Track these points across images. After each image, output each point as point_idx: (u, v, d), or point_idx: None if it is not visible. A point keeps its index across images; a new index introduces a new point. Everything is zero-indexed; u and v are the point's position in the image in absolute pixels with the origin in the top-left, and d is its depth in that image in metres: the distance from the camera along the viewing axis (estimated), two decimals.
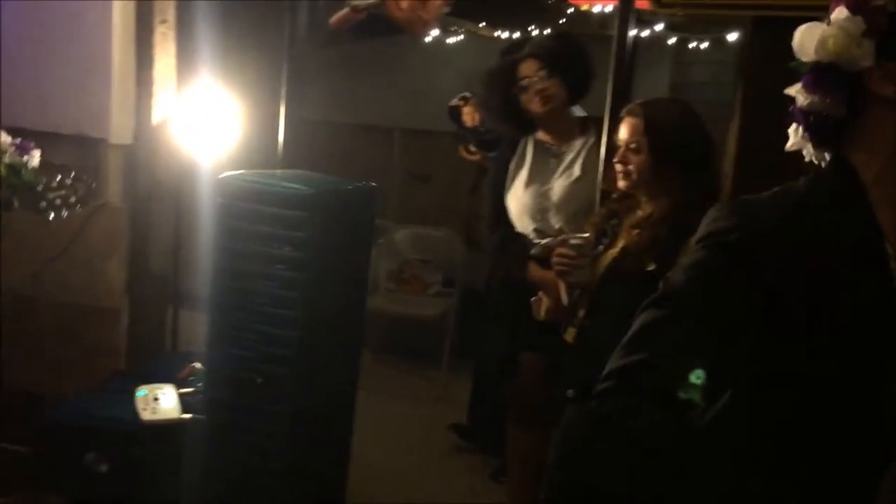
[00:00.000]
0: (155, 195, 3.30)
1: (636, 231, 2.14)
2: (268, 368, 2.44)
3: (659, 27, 5.26)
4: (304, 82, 3.56)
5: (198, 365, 2.81)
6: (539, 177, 2.85)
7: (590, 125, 2.87)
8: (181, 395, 2.69)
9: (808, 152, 1.19)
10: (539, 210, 2.82)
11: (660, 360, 1.11)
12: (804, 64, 1.14)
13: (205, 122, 3.04)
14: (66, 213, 2.40)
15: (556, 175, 2.83)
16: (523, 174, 2.87)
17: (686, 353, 1.11)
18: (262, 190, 2.44)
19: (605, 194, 2.51)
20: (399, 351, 4.90)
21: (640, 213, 2.18)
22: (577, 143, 2.85)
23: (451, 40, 6.16)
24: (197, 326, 2.94)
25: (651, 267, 2.05)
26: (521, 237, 2.86)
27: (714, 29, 5.36)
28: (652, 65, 5.84)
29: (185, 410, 2.63)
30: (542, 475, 1.22)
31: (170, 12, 3.25)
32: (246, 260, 2.45)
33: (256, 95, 3.20)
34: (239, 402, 2.47)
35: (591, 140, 2.83)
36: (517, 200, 2.86)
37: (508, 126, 2.92)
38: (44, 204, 2.37)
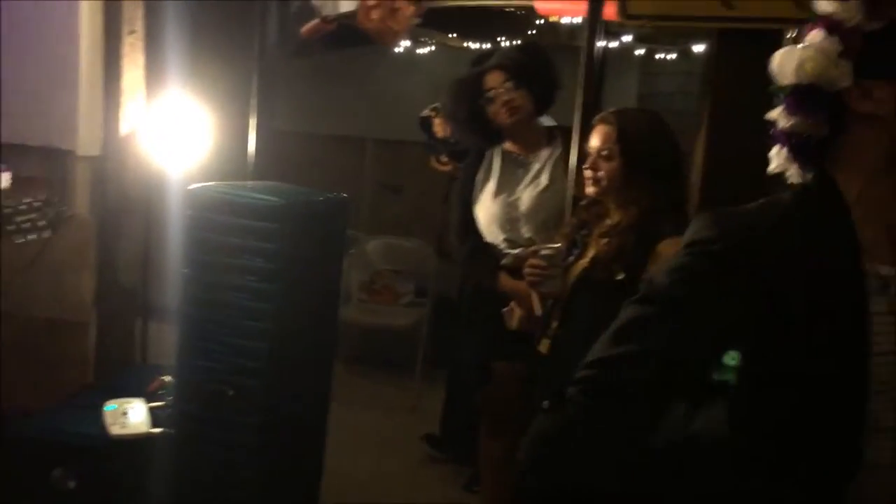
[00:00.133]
0: (124, 207, 3.27)
1: (605, 240, 2.16)
2: (238, 381, 2.42)
3: (627, 38, 5.33)
4: (274, 93, 3.55)
5: (167, 378, 2.78)
6: (507, 187, 2.86)
7: (556, 135, 2.90)
8: (151, 409, 2.66)
9: (792, 173, 1.21)
10: (508, 220, 2.83)
11: (641, 356, 1.13)
12: (784, 87, 1.16)
13: (174, 133, 3.01)
14: (34, 237, 2.37)
15: (524, 185, 2.84)
16: (491, 185, 2.88)
17: (668, 353, 1.13)
18: (232, 201, 2.43)
19: (576, 202, 2.53)
20: (372, 361, 4.88)
21: (608, 221, 2.20)
22: (544, 153, 2.87)
23: (421, 51, 6.18)
24: (166, 339, 2.91)
25: (620, 276, 2.07)
26: (490, 247, 2.87)
27: (681, 40, 5.44)
28: (620, 75, 5.91)
29: (154, 424, 2.60)
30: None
31: (138, 22, 3.23)
32: (216, 272, 2.43)
33: (226, 106, 3.18)
34: (209, 414, 2.45)
35: (558, 150, 2.85)
36: (486, 211, 2.87)
37: (475, 137, 2.93)
38: (12, 227, 2.34)
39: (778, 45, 1.20)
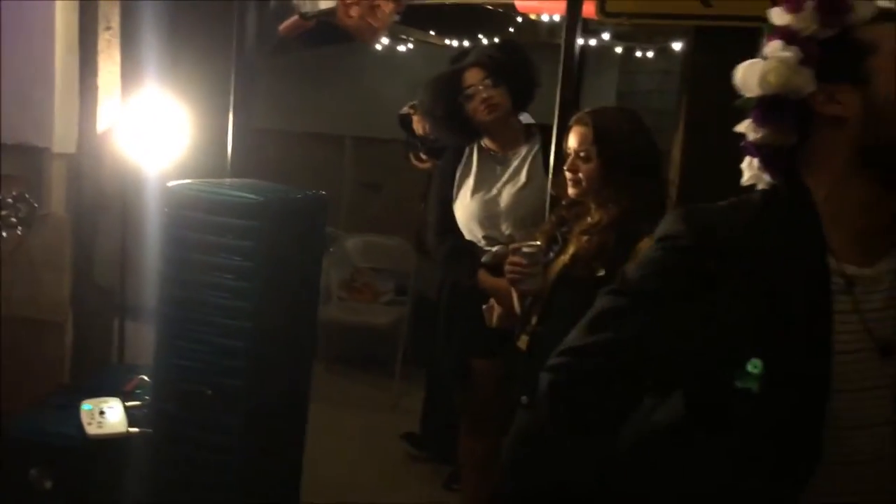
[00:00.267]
0: (100, 205, 3.24)
1: (585, 238, 2.16)
2: (217, 380, 2.40)
3: (606, 36, 5.34)
4: (252, 90, 3.53)
5: (145, 377, 2.76)
6: (485, 184, 2.86)
7: (534, 132, 2.91)
8: (128, 409, 2.64)
9: (764, 182, 1.23)
10: (487, 217, 2.83)
11: (613, 345, 1.16)
12: (749, 100, 1.18)
13: (151, 130, 2.99)
14: (4, 235, 2.34)
15: (503, 182, 2.85)
16: (469, 182, 2.89)
17: (639, 344, 1.15)
18: (210, 199, 2.41)
19: (555, 201, 2.53)
20: (351, 360, 4.88)
21: (589, 219, 2.21)
22: (523, 150, 2.87)
23: (401, 48, 6.16)
24: (144, 338, 2.89)
25: (601, 273, 2.08)
26: (470, 244, 2.87)
27: (659, 38, 5.45)
28: (599, 73, 5.92)
29: (132, 424, 2.58)
30: (495, 482, 1.24)
31: (114, 19, 3.20)
32: (194, 270, 2.41)
33: (204, 103, 3.16)
34: (187, 414, 2.43)
35: (536, 147, 2.86)
36: (464, 208, 2.87)
37: (454, 134, 2.93)
38: None
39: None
